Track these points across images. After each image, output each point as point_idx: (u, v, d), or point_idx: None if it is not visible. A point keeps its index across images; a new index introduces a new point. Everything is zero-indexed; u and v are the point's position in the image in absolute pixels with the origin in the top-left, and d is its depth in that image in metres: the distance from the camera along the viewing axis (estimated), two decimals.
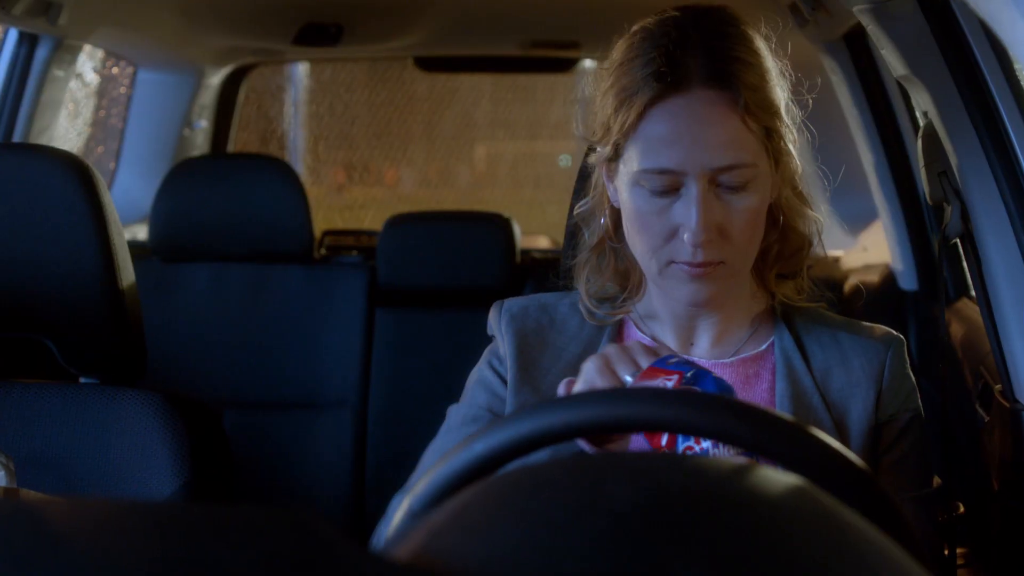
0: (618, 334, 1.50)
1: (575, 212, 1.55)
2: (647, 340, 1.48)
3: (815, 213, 1.47)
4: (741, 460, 1.05)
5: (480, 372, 1.52)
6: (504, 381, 1.49)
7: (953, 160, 1.71)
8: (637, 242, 1.40)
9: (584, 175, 1.56)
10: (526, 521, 0.68)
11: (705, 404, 0.98)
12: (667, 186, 1.34)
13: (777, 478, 0.81)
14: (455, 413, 1.52)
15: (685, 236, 1.33)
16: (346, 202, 6.31)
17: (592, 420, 0.99)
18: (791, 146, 1.40)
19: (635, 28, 1.42)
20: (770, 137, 1.36)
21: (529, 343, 1.49)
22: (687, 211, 1.33)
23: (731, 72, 1.33)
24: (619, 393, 1.03)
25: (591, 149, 1.49)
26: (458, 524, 0.73)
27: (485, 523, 0.70)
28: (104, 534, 0.50)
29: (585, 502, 0.70)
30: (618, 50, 1.42)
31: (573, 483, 0.76)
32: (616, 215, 1.47)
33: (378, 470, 3.06)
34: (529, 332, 1.50)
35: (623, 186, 1.40)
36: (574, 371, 1.37)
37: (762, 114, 1.34)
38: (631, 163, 1.36)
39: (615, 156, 1.40)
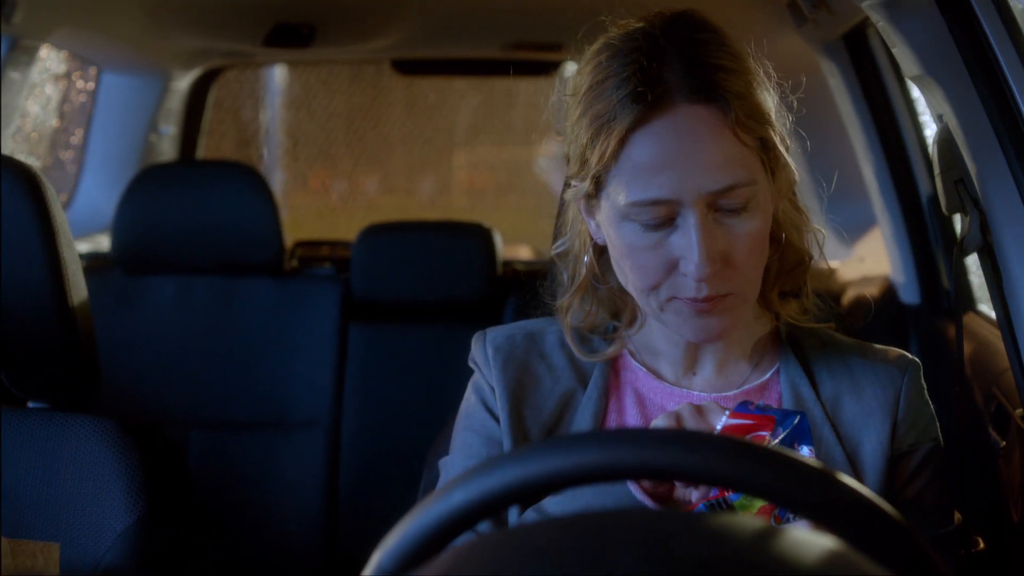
0: (612, 367, 1.41)
1: (552, 253, 1.44)
2: (643, 371, 1.39)
3: (815, 225, 1.39)
4: (765, 522, 0.95)
5: (468, 415, 1.42)
6: (497, 419, 1.38)
7: (971, 167, 1.63)
8: (632, 280, 1.29)
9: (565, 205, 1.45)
10: None
11: (716, 448, 0.87)
12: (661, 217, 1.22)
13: (809, 541, 0.72)
14: (450, 467, 1.40)
15: (688, 270, 1.22)
16: (318, 211, 6.26)
17: (586, 466, 0.88)
18: (786, 154, 1.30)
19: (597, 45, 1.29)
20: (765, 149, 1.25)
21: (519, 378, 1.39)
22: (687, 243, 1.22)
23: (715, 82, 1.21)
24: (611, 435, 0.92)
25: (567, 185, 1.37)
26: None
27: None
28: None
29: (584, 572, 0.66)
30: (583, 73, 1.29)
31: (571, 549, 0.70)
32: (600, 252, 1.36)
33: (351, 493, 2.98)
34: (518, 365, 1.40)
35: (609, 222, 1.28)
36: (568, 409, 1.33)
37: (755, 125, 1.23)
38: (617, 196, 1.24)
39: (596, 191, 1.28)
